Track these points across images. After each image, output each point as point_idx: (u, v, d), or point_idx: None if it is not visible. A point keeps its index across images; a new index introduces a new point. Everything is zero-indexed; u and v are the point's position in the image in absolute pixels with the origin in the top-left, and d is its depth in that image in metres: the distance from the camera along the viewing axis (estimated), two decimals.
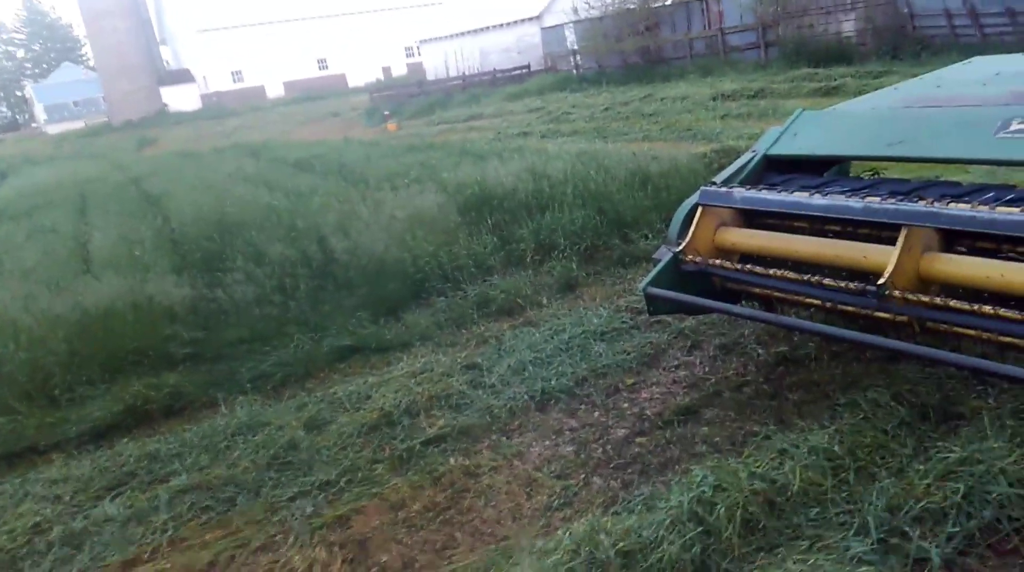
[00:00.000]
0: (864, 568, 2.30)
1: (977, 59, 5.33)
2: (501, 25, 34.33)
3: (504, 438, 3.71)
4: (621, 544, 2.56)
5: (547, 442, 3.63)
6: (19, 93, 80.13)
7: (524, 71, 29.63)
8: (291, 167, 13.15)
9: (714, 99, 15.11)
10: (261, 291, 5.48)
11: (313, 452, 3.74)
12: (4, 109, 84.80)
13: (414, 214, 6.86)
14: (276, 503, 3.38)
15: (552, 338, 4.75)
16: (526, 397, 4.03)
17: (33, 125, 72.82)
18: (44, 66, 76.67)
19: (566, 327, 4.88)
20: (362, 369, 4.79)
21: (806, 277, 3.36)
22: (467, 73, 32.27)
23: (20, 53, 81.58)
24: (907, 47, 17.34)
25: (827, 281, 3.26)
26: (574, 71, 27.33)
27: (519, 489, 3.26)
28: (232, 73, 56.03)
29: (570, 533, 2.70)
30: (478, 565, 2.72)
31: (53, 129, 56.74)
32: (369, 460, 3.61)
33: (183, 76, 55.19)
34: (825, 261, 3.42)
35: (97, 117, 55.12)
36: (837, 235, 3.53)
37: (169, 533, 3.26)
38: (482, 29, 35.56)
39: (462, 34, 37.06)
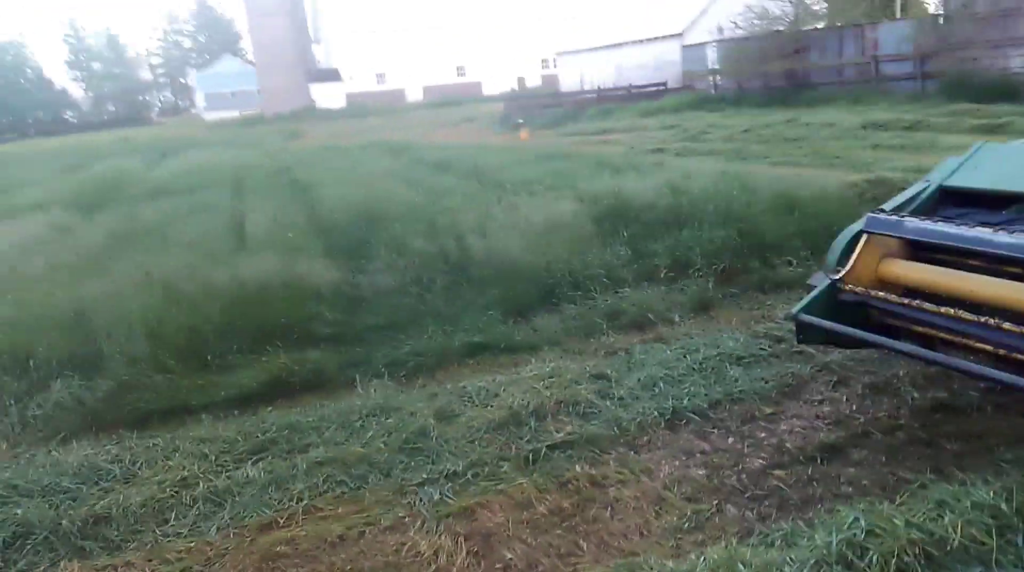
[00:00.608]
0: None
1: None
2: (640, 41, 34.08)
3: (632, 452, 3.63)
4: None
5: (677, 462, 3.53)
6: (183, 80, 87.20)
7: (661, 88, 29.26)
8: (430, 167, 13.55)
9: (864, 128, 14.35)
10: (400, 281, 5.65)
11: (442, 441, 3.80)
12: (168, 94, 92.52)
13: (548, 220, 6.89)
14: (406, 486, 3.45)
15: (684, 357, 4.63)
16: (655, 413, 3.94)
17: (192, 111, 79.06)
18: (207, 56, 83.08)
19: (699, 347, 4.74)
20: (491, 367, 4.84)
21: (982, 318, 3.10)
22: (602, 87, 32.19)
23: (187, 43, 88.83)
24: None
25: (1007, 325, 3.00)
26: (713, 90, 26.74)
27: (647, 506, 3.18)
28: (376, 75, 58.52)
29: (704, 558, 2.61)
30: None
31: (210, 116, 61.32)
32: (496, 456, 3.63)
33: (331, 75, 58.18)
34: (1003, 304, 3.15)
35: (251, 108, 59.04)
36: (1017, 277, 3.24)
37: (304, 502, 3.40)
38: (620, 44, 35.46)
39: (599, 48, 37.09)
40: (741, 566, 2.50)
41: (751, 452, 3.55)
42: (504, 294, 5.69)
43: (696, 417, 3.90)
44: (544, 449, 3.65)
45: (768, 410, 3.93)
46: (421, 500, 3.34)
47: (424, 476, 3.52)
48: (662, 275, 6.11)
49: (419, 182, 10.45)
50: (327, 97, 54.47)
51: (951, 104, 16.25)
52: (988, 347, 3.24)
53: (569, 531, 3.05)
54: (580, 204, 7.49)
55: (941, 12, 21.90)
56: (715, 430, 3.80)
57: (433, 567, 2.89)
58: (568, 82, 39.55)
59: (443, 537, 3.05)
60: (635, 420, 3.88)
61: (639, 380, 4.35)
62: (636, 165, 10.74)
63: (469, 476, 3.49)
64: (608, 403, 4.11)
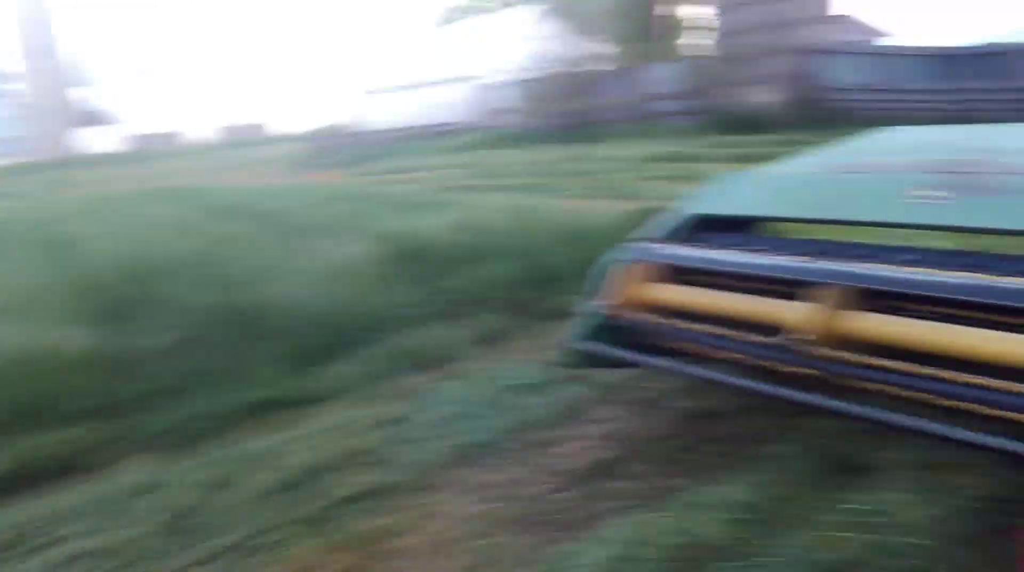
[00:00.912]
0: None
1: (889, 129, 5.66)
2: (446, 80, 34.95)
3: (422, 497, 3.59)
4: None
5: (470, 498, 3.53)
6: None
7: (463, 127, 30.09)
8: (217, 213, 12.81)
9: (643, 161, 15.63)
10: (172, 342, 5.23)
11: (218, 514, 3.53)
12: None
13: (341, 263, 6.75)
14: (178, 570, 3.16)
15: (474, 392, 4.68)
16: (446, 453, 3.93)
17: None
18: None
19: (489, 381, 4.82)
20: (278, 424, 4.59)
21: (727, 331, 3.42)
22: (408, 126, 32.51)
23: None
24: (823, 117, 18.40)
25: (742, 335, 3.33)
26: (511, 129, 27.91)
27: (439, 549, 3.14)
28: (161, 115, 54.93)
29: None
30: None
31: None
32: (279, 521, 3.42)
33: (104, 117, 53.81)
34: (746, 317, 3.49)
35: (22, 154, 53.09)
36: (759, 292, 3.62)
37: None
38: (426, 83, 36.13)
39: (406, 87, 37.52)
40: None
41: (535, 479, 3.64)
42: (293, 344, 5.46)
43: (485, 451, 3.94)
44: (332, 506, 3.50)
45: (551, 436, 4.06)
46: None
47: (197, 556, 3.24)
48: (456, 312, 6.18)
49: (202, 230, 9.84)
50: (101, 141, 50.19)
51: (714, 137, 18.18)
52: (737, 356, 3.57)
53: None
54: (375, 245, 7.41)
55: (712, 54, 24.59)
56: (504, 462, 3.85)
57: None
58: (376, 120, 39.54)
59: None
60: (425, 463, 3.85)
61: (433, 420, 4.34)
62: (434, 203, 10.86)
63: (249, 547, 3.26)
64: (401, 448, 4.05)
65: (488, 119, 30.05)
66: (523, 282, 6.47)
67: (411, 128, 31.77)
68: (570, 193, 12.25)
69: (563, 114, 25.44)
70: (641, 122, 22.96)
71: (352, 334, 5.71)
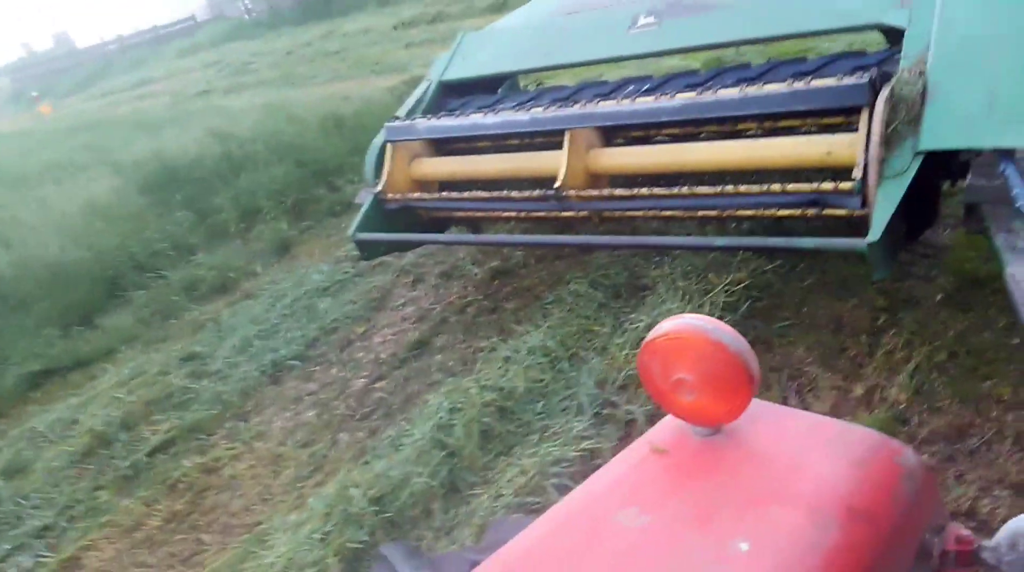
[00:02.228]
0: (585, 443, 2.55)
1: None
2: None
3: (241, 423, 3.52)
4: (372, 491, 2.58)
5: (287, 414, 3.51)
6: None
7: (190, 24, 27.02)
8: None
9: (395, 28, 15.05)
10: None
11: (19, 500, 3.26)
12: None
13: (88, 205, 6.06)
14: None
15: (274, 306, 4.55)
16: (257, 373, 3.84)
17: None
18: None
19: (287, 291, 4.69)
20: (62, 392, 4.22)
21: (496, 193, 3.52)
22: (125, 34, 28.61)
23: None
24: None
25: (514, 194, 3.45)
26: (246, 16, 25.49)
27: (264, 470, 3.13)
28: None
29: (321, 498, 2.66)
30: (232, 561, 2.58)
31: None
32: (89, 489, 3.23)
33: None
34: (510, 175, 3.60)
35: None
36: (517, 148, 3.73)
37: None
38: None
39: None
40: (353, 490, 2.61)
41: (353, 374, 3.67)
42: (55, 305, 4.93)
43: (297, 362, 3.90)
44: (143, 459, 3.35)
45: (361, 329, 4.08)
46: None
47: (7, 547, 3.01)
48: (233, 229, 5.84)
49: None
50: None
51: None
52: (512, 214, 3.71)
53: (189, 531, 2.88)
54: (121, 178, 6.69)
55: None
56: (317, 367, 3.84)
57: None
58: (86, 36, 34.39)
59: None
60: (237, 388, 3.75)
61: (233, 346, 4.18)
62: (179, 117, 9.88)
63: (63, 524, 3.07)
64: (205, 382, 3.89)
65: (221, 10, 27.20)
66: (299, 183, 6.19)
67: (133, 36, 28.08)
68: (326, 77, 11.63)
69: None
70: None
71: (125, 279, 5.25)
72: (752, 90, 2.91)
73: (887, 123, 2.62)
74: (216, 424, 3.53)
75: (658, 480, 0.84)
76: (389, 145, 3.84)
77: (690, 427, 0.88)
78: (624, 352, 2.99)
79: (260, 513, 2.85)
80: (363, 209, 3.85)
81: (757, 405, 0.88)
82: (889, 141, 2.64)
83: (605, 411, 2.73)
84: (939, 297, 2.84)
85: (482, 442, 2.73)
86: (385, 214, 3.83)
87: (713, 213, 3.10)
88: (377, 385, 3.53)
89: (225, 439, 3.40)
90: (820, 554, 0.69)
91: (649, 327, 3.06)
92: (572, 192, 3.19)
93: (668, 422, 0.92)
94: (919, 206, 2.66)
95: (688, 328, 0.82)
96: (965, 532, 0.83)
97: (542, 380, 3.01)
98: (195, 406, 3.67)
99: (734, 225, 3.48)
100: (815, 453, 0.82)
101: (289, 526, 2.61)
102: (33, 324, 4.80)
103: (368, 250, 3.87)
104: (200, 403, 3.69)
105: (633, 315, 3.24)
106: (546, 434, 2.70)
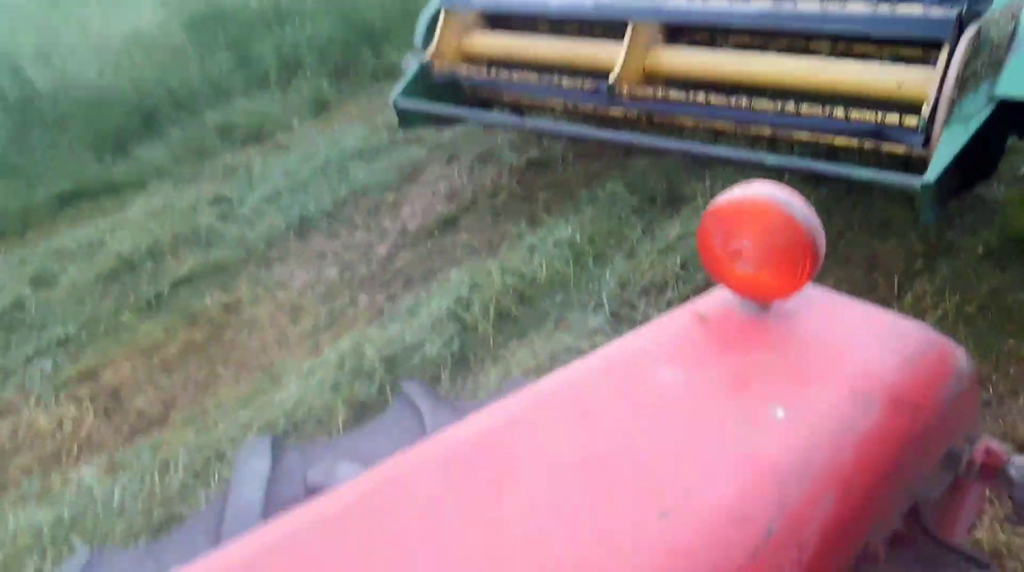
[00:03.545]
0: (599, 337, 2.58)
1: None
2: None
3: (263, 270, 3.57)
4: (385, 351, 2.65)
5: (310, 268, 3.56)
6: None
7: None
8: None
9: None
10: None
11: (45, 309, 3.37)
12: None
13: (131, 34, 5.95)
14: (9, 366, 3.05)
15: (307, 162, 4.52)
16: (283, 225, 3.87)
17: None
18: None
19: (321, 149, 4.66)
20: (91, 214, 4.28)
21: (547, 79, 3.42)
22: None
23: None
24: None
25: (565, 81, 3.35)
26: None
27: (283, 317, 3.20)
28: None
29: (335, 349, 2.74)
30: (244, 394, 2.69)
31: None
32: (112, 309, 3.32)
33: None
34: (564, 62, 3.49)
35: None
36: (575, 34, 3.59)
37: None
38: None
39: None
40: (367, 346, 2.68)
41: (378, 240, 3.70)
42: (92, 129, 4.93)
43: (324, 220, 3.92)
44: (167, 288, 3.43)
45: (391, 198, 4.07)
46: (32, 376, 2.98)
47: (30, 351, 3.13)
48: (273, 80, 5.74)
49: None
50: None
51: None
52: (559, 103, 3.62)
53: (205, 362, 2.98)
54: (166, 10, 6.53)
55: None
56: (344, 228, 3.86)
57: (59, 438, 2.66)
58: None
59: (65, 406, 2.79)
60: (263, 236, 3.79)
61: (262, 195, 4.19)
62: None
63: (84, 337, 3.18)
64: (232, 226, 3.93)
65: None
66: (344, 42, 6.02)
67: None
68: None
69: None
70: None
71: (162, 112, 5.22)
72: (833, 7, 2.76)
73: (966, 63, 2.50)
74: (239, 267, 3.58)
75: (698, 344, 0.83)
76: (443, 12, 3.70)
77: (739, 301, 0.86)
78: (651, 258, 2.98)
79: (275, 355, 2.94)
80: (407, 76, 3.76)
81: (812, 289, 0.86)
82: (965, 82, 2.53)
83: (623, 311, 2.75)
84: (980, 251, 2.78)
85: (498, 322, 2.77)
86: (429, 84, 3.75)
87: (767, 132, 3.02)
88: (401, 254, 3.56)
89: (247, 283, 3.46)
90: (856, 434, 0.69)
91: (681, 237, 3.07)
92: (625, 88, 3.10)
93: (717, 293, 0.90)
94: (980, 156, 2.57)
95: (760, 195, 0.79)
96: (997, 446, 0.83)
97: (565, 273, 3.02)
98: (220, 247, 3.73)
99: (786, 148, 3.38)
100: (866, 340, 0.81)
101: (302, 371, 2.69)
102: (67, 145, 4.82)
103: (407, 119, 3.80)
104: (226, 245, 3.74)
105: (666, 223, 3.21)
106: (561, 324, 2.73)
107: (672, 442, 0.68)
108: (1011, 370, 2.26)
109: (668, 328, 0.87)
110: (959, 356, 0.81)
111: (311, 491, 0.93)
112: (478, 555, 0.59)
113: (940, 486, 0.85)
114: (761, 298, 0.84)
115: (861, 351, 0.79)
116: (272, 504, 1.02)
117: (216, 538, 1.00)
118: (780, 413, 0.70)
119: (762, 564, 0.58)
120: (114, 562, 1.09)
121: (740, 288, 0.84)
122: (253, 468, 1.11)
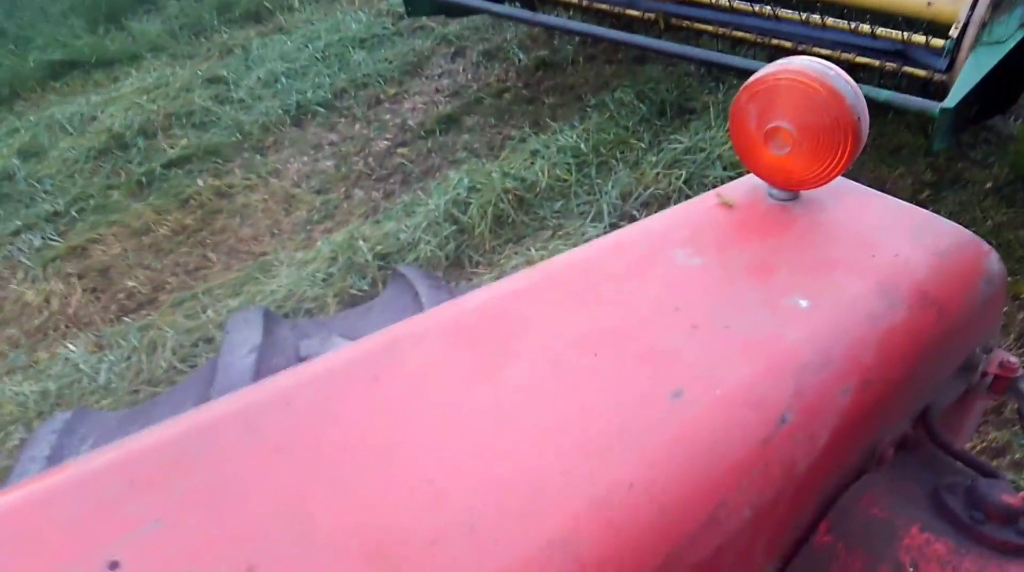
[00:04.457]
0: None
1: None
2: None
3: (258, 156, 3.49)
4: (379, 247, 2.62)
5: (305, 158, 3.48)
6: None
7: None
8: None
9: None
10: None
11: (34, 182, 3.31)
12: None
13: None
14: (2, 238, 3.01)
15: (306, 46, 4.35)
16: (280, 111, 3.76)
17: None
18: None
19: (321, 34, 4.47)
20: (83, 87, 4.15)
21: None
22: None
23: None
24: None
25: None
26: None
27: (276, 206, 3.15)
28: None
29: (329, 242, 2.70)
30: (234, 281, 2.67)
31: None
32: (103, 187, 3.26)
33: None
34: None
35: None
36: None
37: None
38: None
39: None
40: (361, 242, 2.64)
41: (377, 135, 3.60)
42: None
43: (322, 109, 3.80)
44: (159, 169, 3.35)
45: (392, 91, 3.94)
46: (19, 250, 2.95)
47: (18, 224, 3.09)
48: None
49: None
50: None
51: None
52: (575, 0, 3.45)
53: (196, 246, 2.94)
54: None
55: None
56: (342, 119, 3.75)
57: (46, 313, 2.65)
58: None
59: (52, 282, 2.78)
60: (258, 121, 3.68)
61: (259, 78, 4.05)
62: None
63: (74, 213, 3.13)
64: (227, 108, 3.81)
65: None
66: None
67: None
68: None
69: None
70: None
71: None
72: None
73: None
74: (233, 152, 3.50)
75: (721, 229, 0.78)
76: None
77: (767, 188, 0.81)
78: (655, 171, 2.91)
79: (267, 244, 2.91)
80: None
81: (844, 181, 0.82)
82: (998, 5, 2.41)
83: (623, 223, 2.70)
84: (988, 185, 2.72)
85: (494, 226, 2.73)
86: None
87: (788, 44, 2.89)
88: (399, 150, 3.47)
89: (241, 168, 3.39)
90: (881, 327, 0.67)
91: (689, 150, 2.98)
92: None
93: (744, 180, 0.85)
94: (1001, 87, 2.47)
95: (804, 68, 0.72)
96: (1012, 358, 0.80)
97: (566, 180, 2.95)
98: (215, 129, 3.63)
99: None
100: (898, 235, 0.77)
101: (294, 262, 2.67)
102: (59, 12, 4.62)
103: (414, 6, 3.62)
104: (220, 128, 3.64)
105: (674, 135, 3.12)
106: (559, 232, 2.69)
107: (687, 323, 0.65)
108: (1004, 307, 2.25)
109: (690, 212, 0.82)
110: (992, 259, 0.77)
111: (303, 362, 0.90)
112: (473, 425, 0.57)
113: (953, 393, 0.83)
114: (792, 185, 0.79)
115: (891, 245, 0.74)
116: (262, 374, 0.98)
117: (204, 402, 0.98)
118: (803, 303, 0.67)
119: (773, 452, 0.57)
120: (96, 420, 1.08)
121: (771, 174, 0.79)
122: (244, 337, 1.07)
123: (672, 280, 0.71)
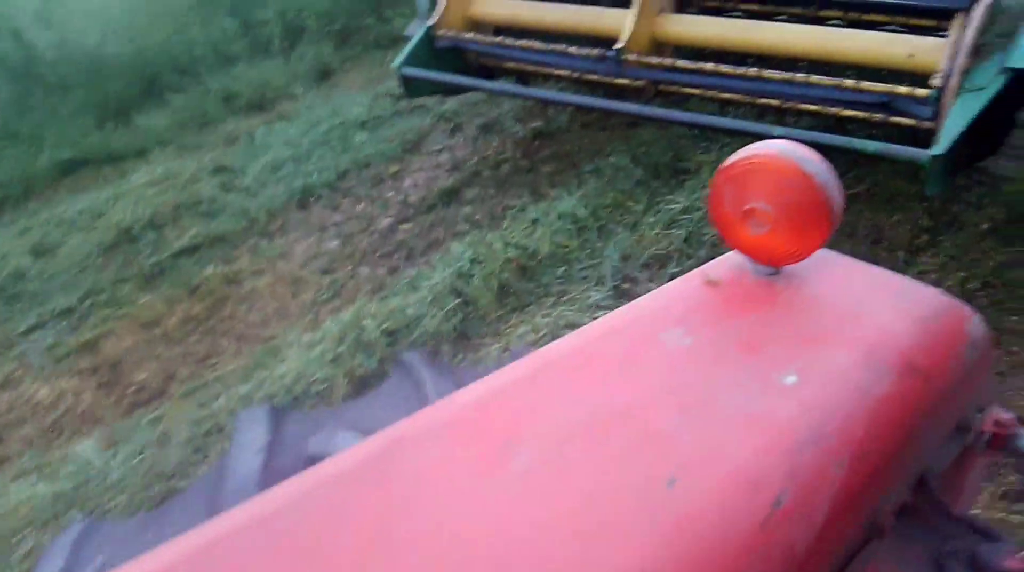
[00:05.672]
0: (600, 312, 2.56)
1: None
2: None
3: (264, 241, 3.55)
4: (386, 324, 2.64)
5: (311, 239, 3.54)
6: None
7: None
8: None
9: None
10: None
11: (45, 279, 3.37)
12: None
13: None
14: (10, 338, 3.06)
15: (309, 131, 4.48)
16: (285, 196, 3.84)
17: None
18: None
19: (323, 118, 4.60)
20: (93, 183, 4.26)
21: (553, 46, 3.36)
22: None
23: None
24: None
25: (571, 49, 3.28)
26: None
27: (284, 290, 3.19)
28: None
29: (336, 322, 2.73)
30: (244, 368, 2.69)
31: None
32: (113, 280, 3.32)
33: None
34: (571, 29, 3.42)
35: None
36: (583, 1, 3.51)
37: None
38: None
39: None
40: (368, 319, 2.67)
41: (380, 213, 3.67)
42: (93, 95, 4.89)
43: (326, 191, 3.88)
44: (168, 259, 3.42)
45: (393, 169, 4.03)
46: (32, 349, 2.99)
47: (31, 322, 3.14)
48: (277, 46, 5.66)
49: None
50: None
51: None
52: (565, 72, 3.56)
53: (206, 334, 2.98)
54: None
55: None
56: (346, 199, 3.83)
57: (59, 411, 2.67)
58: None
59: (65, 379, 2.81)
60: (264, 207, 3.76)
61: (264, 165, 4.16)
62: None
63: (85, 309, 3.18)
64: (233, 196, 3.91)
65: None
66: (347, 8, 5.93)
67: None
68: None
69: None
70: None
71: (164, 79, 5.17)
72: None
73: (981, 32, 2.45)
74: (241, 238, 3.57)
75: (708, 308, 0.80)
76: None
77: (750, 264, 0.83)
78: (655, 231, 2.94)
79: (275, 328, 2.93)
80: (412, 42, 3.69)
81: (825, 253, 0.83)
82: (977, 53, 2.47)
83: (626, 285, 2.72)
84: (985, 226, 2.74)
85: (499, 296, 2.76)
86: (434, 52, 3.68)
87: (775, 102, 2.96)
88: (403, 226, 3.53)
89: (248, 254, 3.45)
90: (869, 399, 0.67)
91: (686, 210, 3.03)
92: (633, 56, 3.04)
93: (727, 257, 0.87)
94: (988, 130, 2.52)
95: (776, 152, 0.75)
96: (1007, 415, 0.80)
97: (567, 246, 2.99)
98: (222, 217, 3.71)
99: (793, 120, 3.32)
100: (880, 305, 0.78)
101: (302, 344, 2.69)
102: (68, 112, 4.79)
103: (412, 87, 3.74)
104: (227, 215, 3.72)
105: (670, 196, 3.17)
106: (563, 298, 2.71)
107: (679, 407, 0.66)
108: (1014, 347, 2.23)
109: (676, 292, 0.84)
110: (975, 323, 0.78)
111: (310, 461, 0.92)
112: (481, 519, 0.58)
113: (949, 456, 0.83)
114: (774, 261, 0.81)
115: (875, 316, 0.75)
116: (271, 474, 0.99)
117: (213, 508, 0.98)
118: (791, 379, 0.67)
119: (771, 534, 0.57)
120: (109, 532, 1.09)
121: (752, 251, 0.80)
122: (251, 437, 1.09)
123: (664, 362, 0.73)
